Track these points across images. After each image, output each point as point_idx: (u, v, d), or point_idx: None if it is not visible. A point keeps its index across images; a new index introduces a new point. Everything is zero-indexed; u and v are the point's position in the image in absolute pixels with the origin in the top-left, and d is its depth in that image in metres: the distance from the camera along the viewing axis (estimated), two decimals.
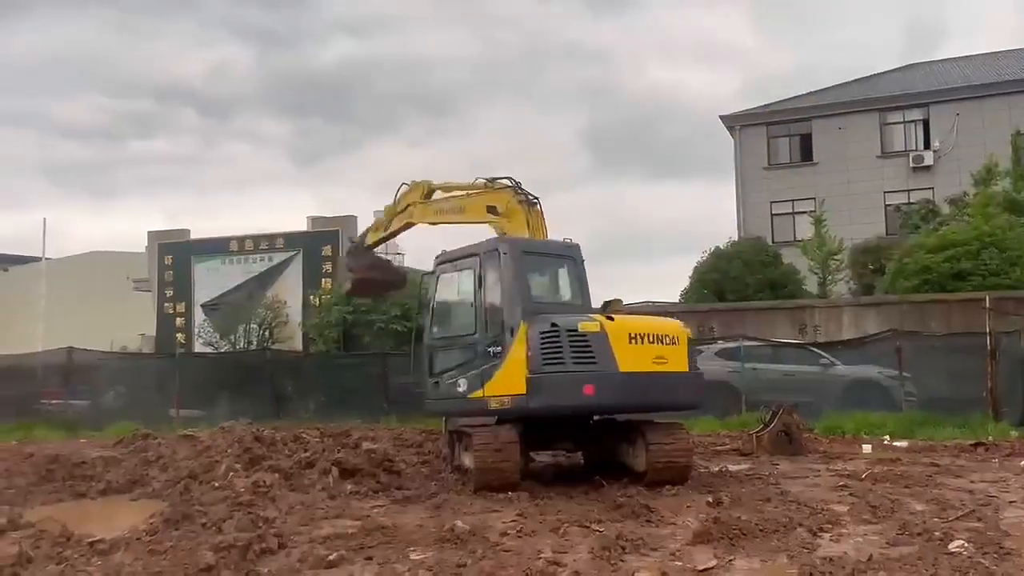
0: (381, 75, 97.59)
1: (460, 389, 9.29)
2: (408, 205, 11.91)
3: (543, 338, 8.64)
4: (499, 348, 8.97)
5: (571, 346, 8.60)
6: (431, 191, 11.83)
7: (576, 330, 8.65)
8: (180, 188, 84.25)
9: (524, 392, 8.60)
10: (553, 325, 8.70)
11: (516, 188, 10.50)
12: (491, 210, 10.51)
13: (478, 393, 9.06)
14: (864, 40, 79.83)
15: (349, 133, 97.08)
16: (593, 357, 8.58)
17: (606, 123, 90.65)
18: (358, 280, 13.86)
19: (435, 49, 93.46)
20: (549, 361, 8.57)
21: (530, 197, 10.49)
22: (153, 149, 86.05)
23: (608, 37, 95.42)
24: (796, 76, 79.18)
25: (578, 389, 8.52)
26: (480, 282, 9.47)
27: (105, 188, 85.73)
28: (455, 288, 10.18)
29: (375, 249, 13.55)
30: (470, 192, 11.21)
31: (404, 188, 12.02)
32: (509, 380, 8.76)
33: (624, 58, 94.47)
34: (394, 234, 12.81)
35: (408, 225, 12.19)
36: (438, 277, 10.29)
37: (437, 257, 10.48)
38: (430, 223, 11.78)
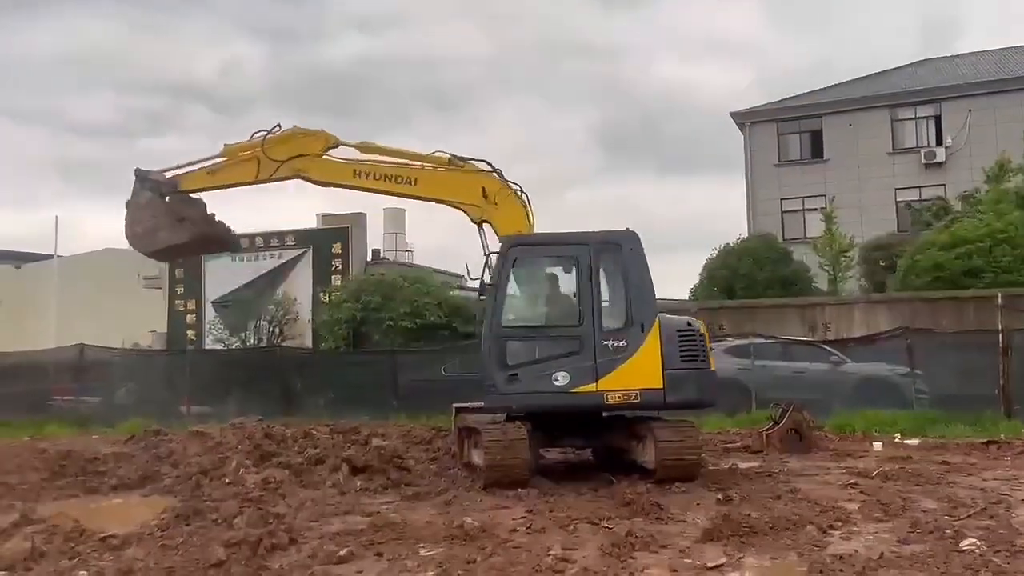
0: (392, 72, 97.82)
1: (558, 383, 8.96)
2: (300, 155, 10.41)
3: (681, 336, 9.14)
4: (622, 343, 8.98)
5: (701, 345, 9.22)
6: (332, 146, 10.53)
7: (698, 330, 9.33)
8: None
9: (661, 387, 8.92)
10: (689, 324, 9.34)
11: (499, 174, 10.18)
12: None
13: (588, 387, 8.91)
14: (879, 36, 79.51)
15: (360, 130, 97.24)
16: (705, 356, 9.23)
17: (617, 119, 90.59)
18: (200, 236, 11.11)
19: (446, 46, 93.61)
20: (686, 358, 9.06)
21: (513, 185, 10.18)
22: (165, 146, 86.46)
23: (620, 33, 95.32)
24: (810, 72, 78.98)
25: (707, 386, 9.28)
26: (592, 274, 9.24)
27: (118, 185, 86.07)
28: (542, 276, 9.82)
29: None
30: (437, 166, 10.38)
31: (281, 132, 10.42)
32: (639, 375, 8.92)
33: (636, 54, 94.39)
34: (238, 184, 10.75)
35: (283, 179, 10.63)
36: (514, 261, 9.42)
37: (509, 239, 9.60)
38: (335, 184, 10.64)
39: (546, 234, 9.95)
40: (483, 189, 10.13)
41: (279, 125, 10.43)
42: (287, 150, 10.42)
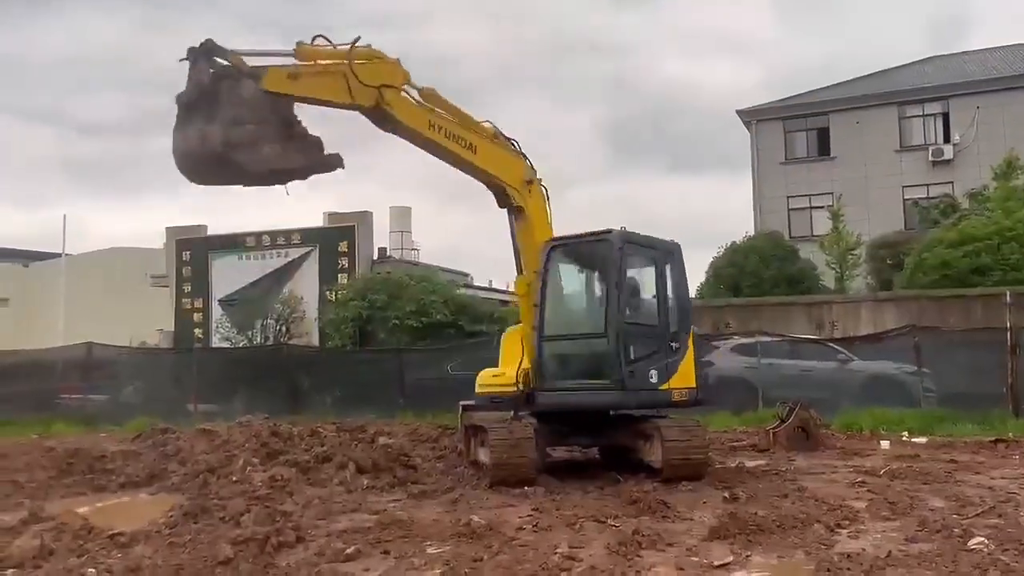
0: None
1: (652, 380, 9.19)
2: (387, 85, 8.99)
3: (695, 340, 9.89)
4: (678, 344, 9.49)
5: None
6: (407, 83, 9.24)
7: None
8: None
9: (695, 386, 9.64)
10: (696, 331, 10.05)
11: (530, 163, 9.90)
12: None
13: (665, 384, 9.29)
14: (888, 33, 79.19)
15: (369, 128, 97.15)
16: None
17: (626, 117, 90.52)
18: (312, 163, 8.91)
19: (455, 43, 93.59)
20: (700, 360, 10.02)
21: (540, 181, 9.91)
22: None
23: (629, 30, 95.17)
24: (818, 70, 78.65)
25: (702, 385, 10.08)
26: (661, 277, 9.61)
27: (127, 185, 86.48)
28: (638, 272, 9.84)
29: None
30: (492, 138, 9.68)
31: (360, 47, 8.90)
32: (686, 375, 9.55)
33: (645, 51, 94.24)
34: (323, 102, 8.85)
35: (365, 111, 9.04)
36: (623, 253, 9.27)
37: (620, 230, 9.34)
38: (409, 129, 9.21)
39: (643, 235, 9.79)
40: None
41: (359, 37, 8.86)
42: (374, 74, 8.90)
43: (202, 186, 8.98)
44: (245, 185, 9.08)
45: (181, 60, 8.39)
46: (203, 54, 8.33)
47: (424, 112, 9.27)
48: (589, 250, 9.78)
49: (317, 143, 8.83)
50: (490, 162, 9.63)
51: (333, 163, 9.00)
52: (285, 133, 8.51)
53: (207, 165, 8.42)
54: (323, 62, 8.81)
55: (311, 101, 8.75)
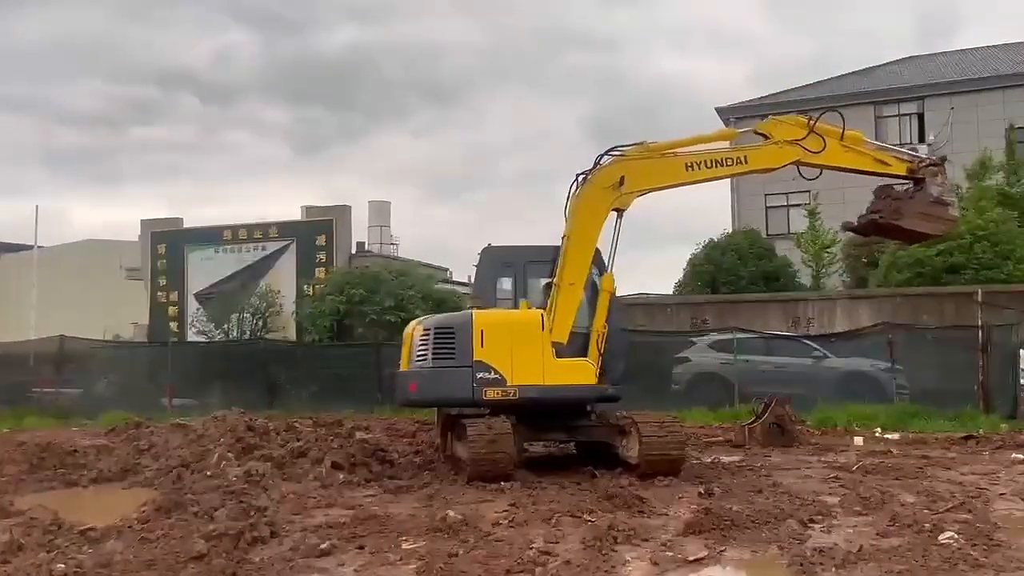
0: (387, 63, 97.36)
1: None
2: (826, 136, 10.23)
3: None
4: None
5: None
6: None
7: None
8: (180, 176, 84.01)
9: None
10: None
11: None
12: None
13: None
14: (878, 29, 79.70)
15: (353, 122, 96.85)
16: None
17: (613, 112, 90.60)
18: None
19: (442, 36, 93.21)
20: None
21: None
22: (154, 136, 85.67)
23: (618, 25, 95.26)
24: (808, 66, 78.95)
25: None
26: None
27: (105, 176, 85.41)
28: None
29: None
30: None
31: (774, 122, 10.53)
32: None
33: (634, 46, 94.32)
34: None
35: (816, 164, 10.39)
36: None
37: None
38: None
39: None
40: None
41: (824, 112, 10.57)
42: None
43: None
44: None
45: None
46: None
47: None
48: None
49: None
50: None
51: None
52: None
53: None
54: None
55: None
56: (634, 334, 14.79)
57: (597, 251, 9.73)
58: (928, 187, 10.28)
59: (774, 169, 10.48)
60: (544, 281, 9.99)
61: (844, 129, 10.32)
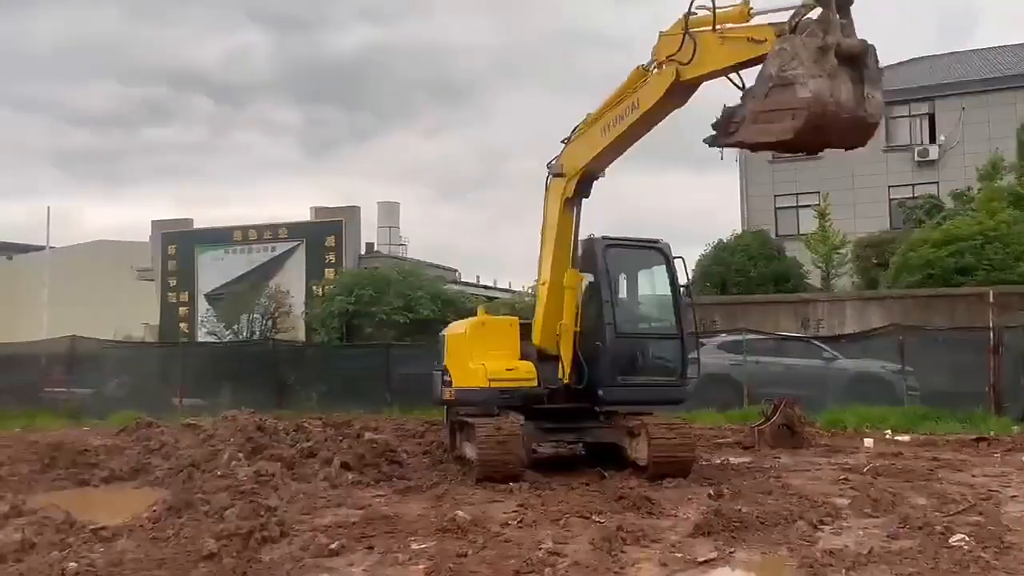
0: (398, 63, 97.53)
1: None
2: (699, 35, 8.11)
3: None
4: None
5: None
6: None
7: None
8: (191, 177, 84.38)
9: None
10: None
11: None
12: None
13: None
14: (897, 29, 78.98)
15: (363, 122, 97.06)
16: None
17: None
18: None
19: (453, 36, 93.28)
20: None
21: None
22: (166, 137, 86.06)
23: (630, 24, 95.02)
24: None
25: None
26: (673, 282, 10.11)
27: (116, 176, 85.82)
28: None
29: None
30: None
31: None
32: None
33: (646, 46, 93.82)
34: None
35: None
36: (673, 261, 10.16)
37: (665, 242, 10.01)
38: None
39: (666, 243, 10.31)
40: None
41: None
42: None
43: (802, 149, 8.29)
44: (811, 153, 8.65)
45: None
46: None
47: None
48: (639, 254, 10.15)
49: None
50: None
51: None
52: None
53: (840, 129, 7.44)
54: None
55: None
56: None
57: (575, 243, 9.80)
58: (767, 65, 7.31)
59: (663, 106, 8.51)
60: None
61: (715, 9, 7.90)
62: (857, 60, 7.36)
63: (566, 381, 9.48)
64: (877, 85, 7.49)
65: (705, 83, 8.28)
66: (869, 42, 7.47)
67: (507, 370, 9.44)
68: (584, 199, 9.77)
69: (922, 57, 35.20)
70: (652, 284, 10.34)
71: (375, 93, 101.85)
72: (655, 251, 9.97)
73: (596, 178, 9.70)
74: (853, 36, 7.47)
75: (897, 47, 78.35)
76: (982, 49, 33.83)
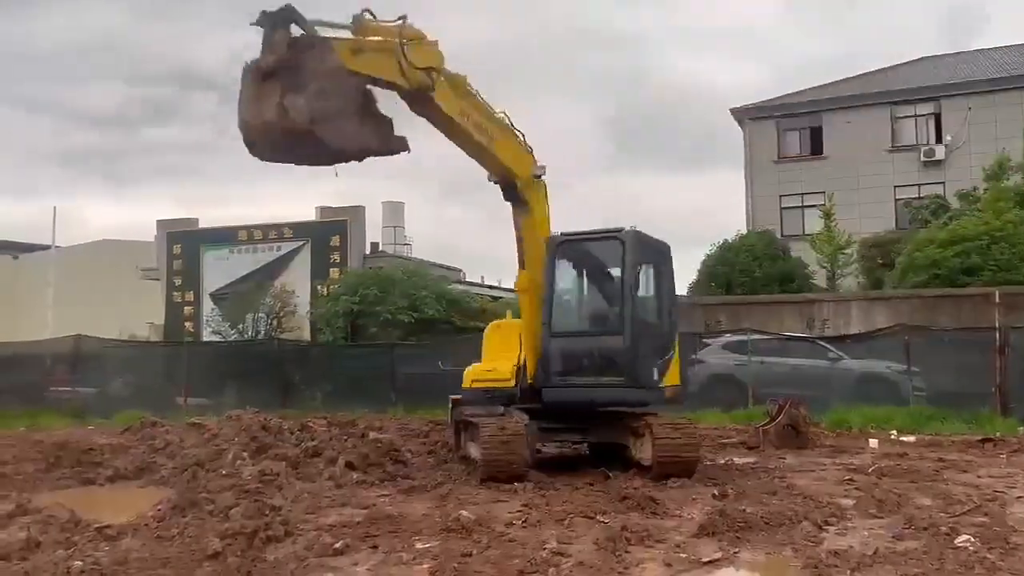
0: None
1: (655, 378, 9.73)
2: (431, 68, 8.56)
3: (680, 339, 10.63)
4: (673, 342, 10.27)
5: None
6: (462, 84, 8.94)
7: None
8: (196, 176, 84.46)
9: (680, 384, 10.37)
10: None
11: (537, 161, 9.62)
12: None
13: (662, 382, 9.80)
14: (902, 29, 78.95)
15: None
16: None
17: (630, 112, 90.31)
18: (382, 147, 8.39)
19: (459, 35, 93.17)
20: (685, 360, 11.29)
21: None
22: (168, 137, 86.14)
23: (638, 24, 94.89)
24: (833, 66, 78.19)
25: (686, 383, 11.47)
26: (659, 277, 10.12)
27: (121, 176, 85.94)
28: (642, 272, 10.14)
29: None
30: (508, 130, 9.32)
31: (408, 27, 8.48)
32: (675, 372, 10.12)
33: (654, 46, 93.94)
34: (373, 80, 8.30)
35: (408, 93, 8.53)
36: (635, 253, 9.68)
37: (631, 230, 9.45)
38: (444, 119, 8.81)
39: (647, 235, 10.01)
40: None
41: (404, 17, 8.44)
42: (424, 56, 8.53)
43: (266, 162, 8.41)
44: (313, 164, 8.51)
45: (253, 24, 7.82)
46: (281, 21, 7.78)
47: (459, 100, 8.93)
48: (600, 248, 9.84)
49: (389, 123, 8.39)
50: (507, 154, 9.34)
51: (401, 146, 8.46)
52: (364, 110, 8.08)
53: (286, 140, 7.80)
54: (375, 39, 8.40)
55: (364, 77, 8.21)
56: None
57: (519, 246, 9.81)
58: None
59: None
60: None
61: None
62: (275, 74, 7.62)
63: (530, 381, 9.58)
64: (301, 91, 7.58)
65: None
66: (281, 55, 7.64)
67: (487, 371, 9.93)
68: (511, 203, 9.75)
69: (928, 57, 35.13)
70: (614, 278, 9.66)
71: (377, 92, 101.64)
72: (615, 241, 9.40)
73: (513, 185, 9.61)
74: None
75: (903, 47, 78.49)
76: (988, 49, 33.75)
